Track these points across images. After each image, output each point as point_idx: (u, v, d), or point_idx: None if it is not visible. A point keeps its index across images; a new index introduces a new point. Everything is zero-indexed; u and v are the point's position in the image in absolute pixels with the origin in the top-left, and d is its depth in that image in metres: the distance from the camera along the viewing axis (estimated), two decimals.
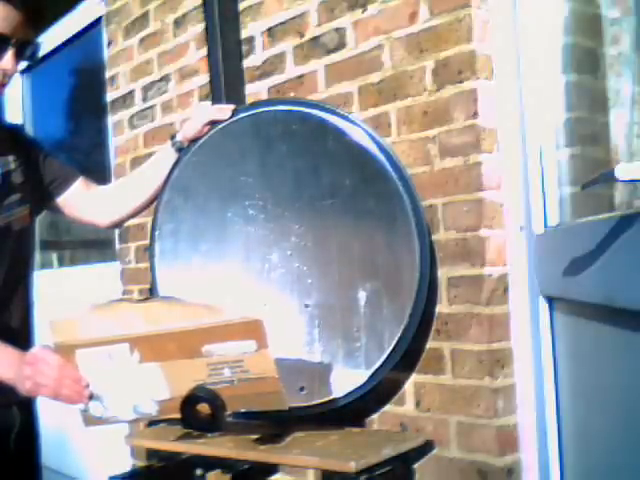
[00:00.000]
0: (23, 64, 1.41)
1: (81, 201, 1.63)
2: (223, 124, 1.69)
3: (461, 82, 1.63)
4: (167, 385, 1.30)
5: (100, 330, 1.27)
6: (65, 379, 1.29)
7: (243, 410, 1.36)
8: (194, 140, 1.69)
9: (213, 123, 1.69)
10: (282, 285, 1.68)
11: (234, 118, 1.69)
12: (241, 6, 2.15)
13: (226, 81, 2.15)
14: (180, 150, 1.68)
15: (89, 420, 1.35)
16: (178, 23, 2.42)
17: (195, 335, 1.25)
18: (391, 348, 1.57)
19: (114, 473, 1.70)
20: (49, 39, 3.22)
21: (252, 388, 1.29)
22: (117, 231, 2.68)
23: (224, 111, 1.70)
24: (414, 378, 1.73)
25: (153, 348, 1.27)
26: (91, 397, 1.31)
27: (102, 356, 1.28)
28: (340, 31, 1.88)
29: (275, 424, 1.67)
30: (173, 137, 1.69)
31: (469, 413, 1.62)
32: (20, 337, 1.42)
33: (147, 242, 1.85)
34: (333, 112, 1.65)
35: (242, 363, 1.27)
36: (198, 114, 1.72)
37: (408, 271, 1.56)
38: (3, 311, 1.43)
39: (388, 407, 1.79)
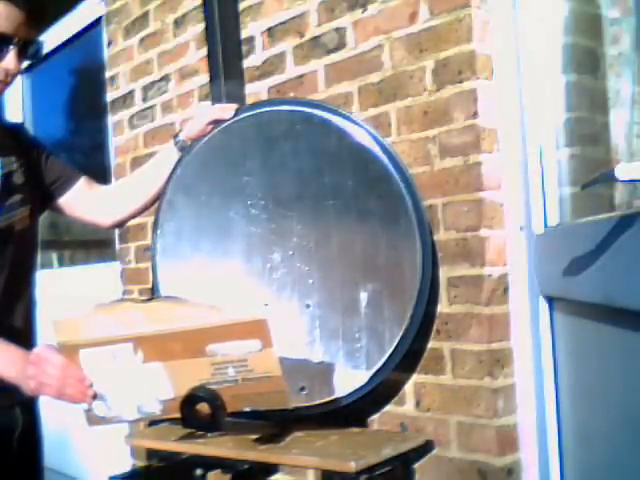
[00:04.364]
0: (25, 63, 1.41)
1: (83, 201, 1.63)
2: (226, 123, 1.69)
3: (461, 82, 1.63)
4: (171, 385, 1.30)
5: (104, 330, 1.27)
6: (69, 379, 1.29)
7: (247, 409, 1.36)
8: (197, 139, 1.69)
9: (216, 122, 1.69)
10: (283, 285, 1.68)
11: (237, 118, 1.69)
12: (241, 6, 2.15)
13: (226, 81, 2.15)
14: (183, 149, 1.68)
15: (93, 420, 1.35)
16: (178, 23, 2.42)
17: (199, 335, 1.25)
18: (392, 349, 1.57)
19: (114, 473, 1.70)
20: (49, 39, 3.21)
21: (256, 387, 1.29)
22: (117, 231, 2.68)
23: (227, 110, 1.70)
24: (414, 378, 1.73)
25: (157, 348, 1.27)
26: (95, 397, 1.31)
27: (106, 356, 1.28)
28: (340, 31, 1.88)
29: (275, 424, 1.67)
30: (176, 136, 1.69)
31: (469, 413, 1.62)
32: (23, 337, 1.42)
33: (147, 242, 1.85)
34: (335, 112, 1.65)
35: (246, 362, 1.27)
36: (201, 113, 1.72)
37: (409, 272, 1.56)
38: (6, 311, 1.43)
39: (388, 407, 1.79)
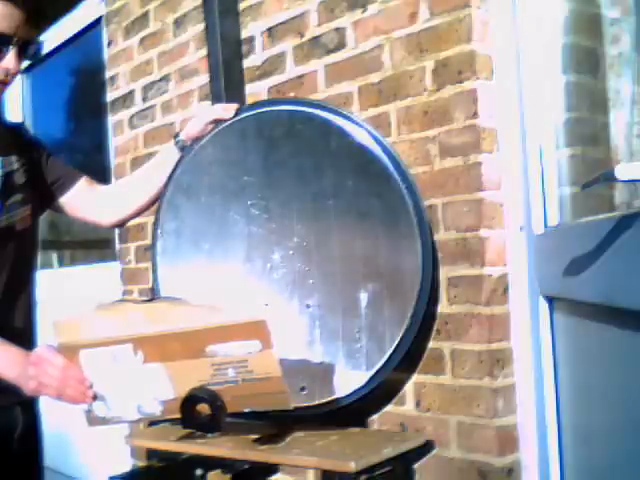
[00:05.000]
0: (25, 63, 1.41)
1: (84, 201, 1.63)
2: (226, 123, 1.69)
3: (461, 82, 1.63)
4: (171, 385, 1.30)
5: (104, 330, 1.27)
6: (69, 379, 1.29)
7: (247, 410, 1.36)
8: (197, 139, 1.69)
9: (216, 122, 1.69)
10: (284, 285, 1.68)
11: (237, 117, 1.69)
12: (241, 6, 2.16)
13: (226, 81, 2.15)
14: (183, 149, 1.68)
15: (93, 420, 1.35)
16: (178, 23, 2.42)
17: (199, 335, 1.25)
18: (392, 349, 1.57)
19: (114, 473, 1.70)
20: (49, 39, 3.22)
21: (256, 388, 1.29)
22: (117, 231, 2.68)
23: (228, 110, 1.70)
24: (414, 378, 1.73)
25: (157, 348, 1.27)
26: (95, 397, 1.31)
27: (106, 356, 1.28)
28: (340, 31, 1.88)
29: (275, 424, 1.67)
30: (176, 136, 1.69)
31: (469, 413, 1.62)
32: (23, 337, 1.42)
33: (147, 242, 1.85)
34: (336, 112, 1.65)
35: (246, 363, 1.27)
36: (202, 113, 1.72)
37: (410, 272, 1.56)
38: (7, 311, 1.43)
39: (388, 407, 1.79)
